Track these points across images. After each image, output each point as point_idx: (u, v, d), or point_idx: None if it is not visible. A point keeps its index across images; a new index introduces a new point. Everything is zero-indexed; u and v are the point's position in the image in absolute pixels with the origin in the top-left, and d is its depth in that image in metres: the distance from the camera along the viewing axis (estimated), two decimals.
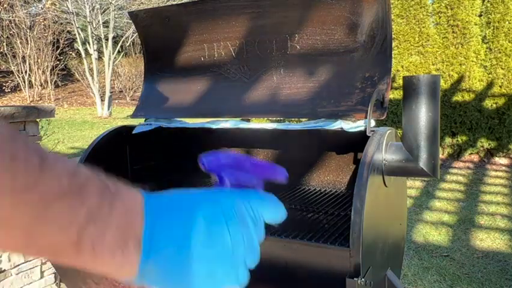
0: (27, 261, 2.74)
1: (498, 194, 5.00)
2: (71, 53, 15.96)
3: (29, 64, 14.36)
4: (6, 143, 0.35)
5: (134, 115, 2.01)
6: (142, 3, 14.29)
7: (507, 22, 6.15)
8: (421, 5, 6.51)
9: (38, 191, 0.36)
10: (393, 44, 6.47)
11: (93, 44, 14.23)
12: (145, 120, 1.98)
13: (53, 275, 2.89)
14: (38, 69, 14.55)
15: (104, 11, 14.40)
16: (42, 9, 14.39)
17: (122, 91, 16.91)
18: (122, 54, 16.37)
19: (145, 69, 2.07)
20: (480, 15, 6.36)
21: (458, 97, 6.40)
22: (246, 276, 0.47)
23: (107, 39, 14.16)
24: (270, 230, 1.43)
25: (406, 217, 1.81)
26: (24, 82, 14.42)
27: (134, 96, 16.35)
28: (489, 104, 6.26)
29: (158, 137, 2.17)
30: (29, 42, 14.13)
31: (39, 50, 14.45)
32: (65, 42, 15.37)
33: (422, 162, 1.35)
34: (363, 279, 1.18)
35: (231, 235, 0.45)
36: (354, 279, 1.17)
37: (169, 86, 1.99)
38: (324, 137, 1.74)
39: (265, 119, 5.93)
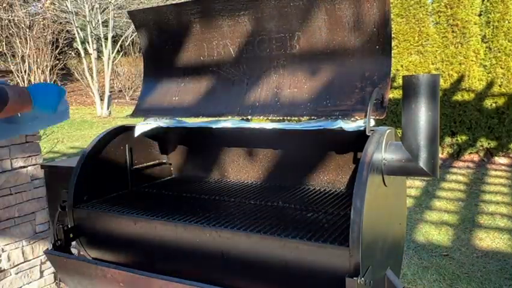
0: (26, 261, 2.74)
1: (498, 193, 5.01)
2: (70, 52, 15.93)
3: (29, 64, 14.33)
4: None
5: (133, 115, 2.01)
6: (141, 2, 14.28)
7: (507, 21, 6.15)
8: (421, 5, 6.51)
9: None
10: (393, 44, 6.47)
11: (92, 44, 14.22)
12: (144, 120, 1.98)
13: (53, 274, 2.89)
14: (37, 68, 14.53)
15: (103, 11, 14.39)
16: (41, 8, 14.37)
17: (121, 90, 16.90)
18: (121, 53, 16.36)
19: (145, 68, 2.07)
20: (480, 15, 6.36)
21: (457, 96, 6.40)
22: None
23: (106, 39, 14.15)
24: (270, 229, 1.43)
25: (406, 216, 1.81)
26: (24, 82, 14.38)
27: (133, 96, 16.34)
28: (489, 103, 6.27)
29: (157, 136, 2.17)
30: (29, 41, 14.10)
31: (39, 49, 14.42)
32: (65, 42, 15.35)
33: (422, 162, 1.35)
34: (362, 279, 1.18)
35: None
36: (354, 278, 1.17)
37: (169, 86, 1.99)
38: (324, 137, 1.74)
39: (265, 118, 5.93)
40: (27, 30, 14.12)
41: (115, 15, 14.35)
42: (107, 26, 14.23)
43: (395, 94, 6.55)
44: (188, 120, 1.97)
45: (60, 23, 14.76)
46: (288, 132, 1.75)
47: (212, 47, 1.86)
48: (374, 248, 1.34)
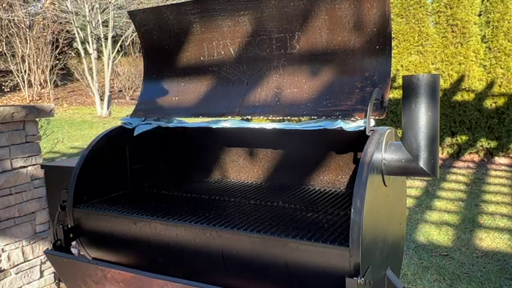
0: (26, 261, 2.74)
1: (498, 193, 5.01)
2: (70, 52, 15.94)
3: (28, 63, 14.35)
4: None
5: (133, 114, 2.01)
6: (141, 2, 14.27)
7: (506, 21, 6.15)
8: (420, 5, 6.51)
9: None
10: (393, 44, 6.47)
11: (92, 44, 14.21)
12: (143, 120, 1.98)
13: (53, 274, 2.89)
14: (37, 68, 14.55)
15: (103, 11, 14.38)
16: (41, 8, 14.37)
17: (121, 90, 16.90)
18: (121, 53, 16.36)
19: (145, 68, 2.07)
20: (479, 15, 6.36)
21: (457, 96, 6.40)
22: None
23: (106, 39, 14.15)
24: (270, 229, 1.43)
25: (406, 216, 1.81)
26: (24, 82, 14.40)
27: (133, 96, 16.34)
28: (488, 103, 6.27)
29: (157, 136, 2.17)
30: (28, 41, 14.12)
31: (39, 49, 14.44)
32: (65, 42, 15.36)
33: (422, 162, 1.35)
34: (362, 279, 1.18)
35: None
36: (354, 278, 1.17)
37: (169, 86, 1.99)
38: (324, 137, 1.74)
39: (265, 118, 5.93)
40: (27, 30, 14.13)
41: (115, 15, 14.35)
42: (107, 26, 14.22)
43: (395, 94, 6.55)
44: (189, 120, 1.97)
45: (60, 23, 14.77)
46: (288, 132, 1.75)
47: (212, 47, 1.87)
48: (374, 248, 1.34)
